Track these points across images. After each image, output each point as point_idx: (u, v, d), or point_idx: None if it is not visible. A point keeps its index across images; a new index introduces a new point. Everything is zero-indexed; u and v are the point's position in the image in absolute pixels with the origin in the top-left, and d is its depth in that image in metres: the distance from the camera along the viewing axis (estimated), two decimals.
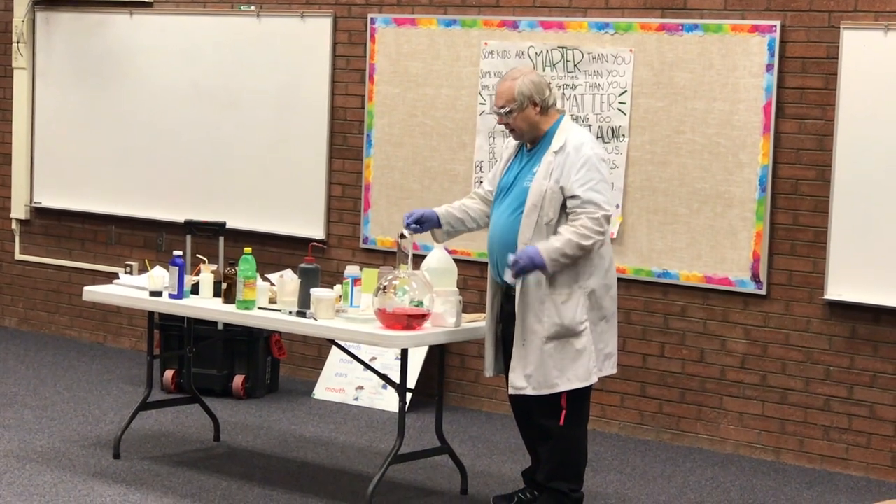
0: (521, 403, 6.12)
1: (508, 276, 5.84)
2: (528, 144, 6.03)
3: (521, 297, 5.90)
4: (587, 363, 5.88)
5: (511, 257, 5.77)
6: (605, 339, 5.98)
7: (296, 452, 7.25)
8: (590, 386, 6.02)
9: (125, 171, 9.65)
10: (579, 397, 5.97)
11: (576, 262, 5.80)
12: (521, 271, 5.78)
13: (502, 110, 5.96)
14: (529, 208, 5.84)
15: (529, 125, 5.96)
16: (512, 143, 6.15)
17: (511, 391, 5.98)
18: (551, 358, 5.87)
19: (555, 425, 5.96)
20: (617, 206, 7.77)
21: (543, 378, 5.88)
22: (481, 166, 8.20)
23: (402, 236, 6.19)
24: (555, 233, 5.80)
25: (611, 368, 6.04)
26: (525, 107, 5.93)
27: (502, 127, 7.78)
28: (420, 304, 5.94)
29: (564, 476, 6.04)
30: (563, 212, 5.82)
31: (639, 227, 7.77)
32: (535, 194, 5.84)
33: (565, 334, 5.86)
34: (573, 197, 5.77)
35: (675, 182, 7.65)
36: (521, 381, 5.92)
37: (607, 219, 5.80)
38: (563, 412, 5.93)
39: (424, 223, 6.26)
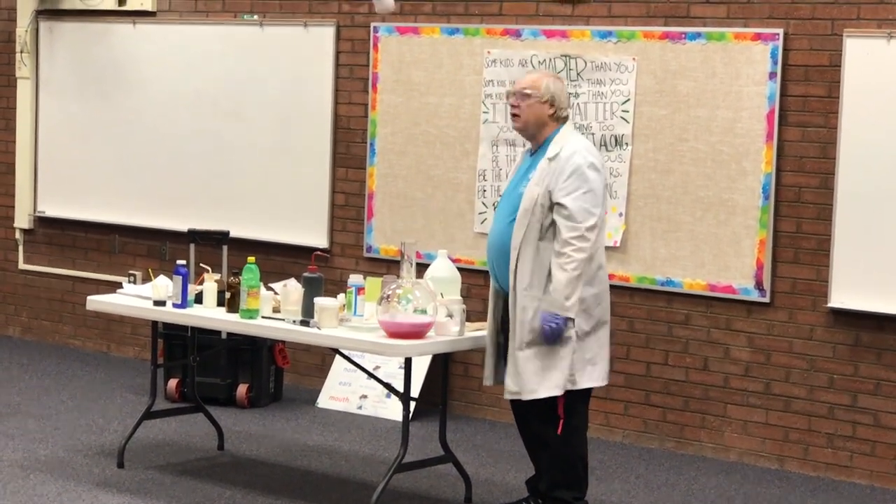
0: (522, 411, 6.12)
1: (546, 338, 5.87)
2: (532, 149, 6.05)
3: (510, 301, 5.94)
4: (566, 371, 5.86)
5: (533, 333, 5.85)
6: (594, 349, 5.94)
7: (300, 461, 7.24)
8: (587, 393, 6.01)
9: (128, 181, 9.66)
10: (576, 405, 5.96)
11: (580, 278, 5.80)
12: (552, 337, 5.82)
13: (522, 90, 5.97)
14: (521, 213, 5.87)
15: (536, 120, 5.97)
16: (520, 154, 6.17)
17: (506, 396, 6.00)
18: (531, 363, 5.87)
19: (552, 434, 5.95)
20: (620, 215, 7.78)
21: (525, 383, 5.89)
22: (484, 174, 8.20)
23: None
24: (541, 237, 5.83)
25: (597, 380, 5.98)
26: (544, 101, 5.94)
27: (506, 135, 7.79)
28: (424, 312, 5.94)
29: (567, 484, 6.04)
30: (553, 219, 5.83)
31: (642, 236, 7.77)
32: (527, 200, 5.87)
33: (545, 341, 5.86)
34: (558, 205, 5.79)
35: (679, 190, 7.65)
36: (513, 385, 5.95)
37: (591, 229, 5.77)
38: (561, 421, 5.93)
39: None
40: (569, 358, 5.84)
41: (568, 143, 5.90)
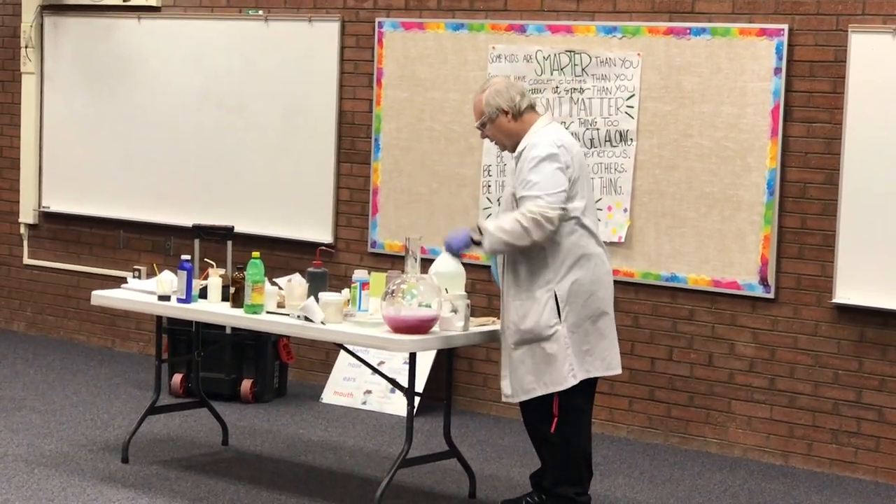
0: (527, 407, 6.12)
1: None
2: (512, 152, 6.02)
3: (503, 304, 5.93)
4: (562, 367, 5.83)
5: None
6: (591, 341, 5.90)
7: (304, 456, 7.25)
8: (586, 390, 5.98)
9: (133, 176, 9.66)
10: (571, 402, 5.94)
11: (516, 248, 5.79)
12: (451, 251, 5.94)
13: (476, 124, 5.99)
14: (502, 214, 5.93)
15: (506, 134, 5.95)
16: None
17: (503, 398, 5.99)
18: (523, 364, 5.86)
19: (548, 431, 5.94)
20: (625, 210, 7.78)
21: (519, 384, 5.88)
22: (489, 170, 8.20)
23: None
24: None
25: (602, 369, 5.95)
26: (496, 117, 5.92)
27: None
28: (428, 307, 5.94)
29: (569, 480, 6.03)
30: None
31: (647, 231, 7.77)
32: (505, 199, 5.97)
33: (533, 339, 5.83)
34: (520, 199, 5.78)
35: (683, 186, 7.65)
36: (507, 388, 5.95)
37: (547, 219, 5.68)
38: (555, 420, 5.91)
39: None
40: (562, 353, 5.82)
41: (532, 137, 5.86)
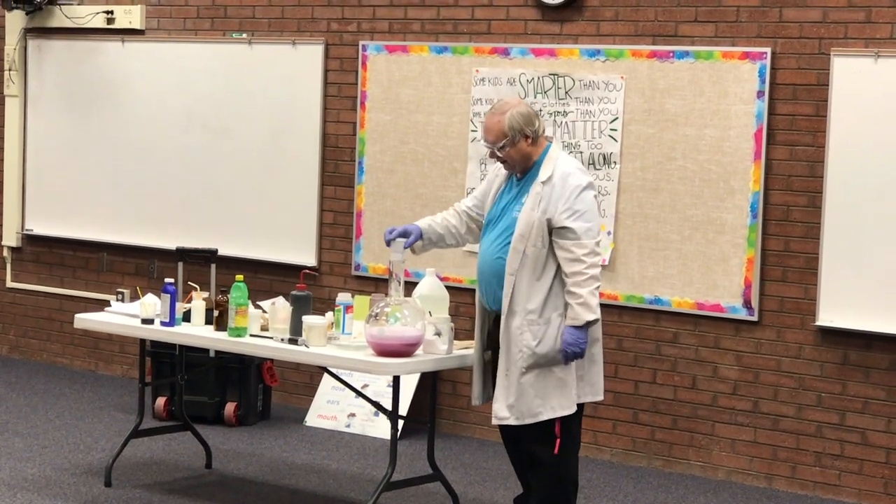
0: (510, 431, 6.09)
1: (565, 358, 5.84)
2: (518, 174, 6.01)
3: (504, 326, 5.89)
4: (570, 392, 5.83)
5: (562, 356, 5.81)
6: (585, 366, 5.89)
7: (288, 480, 7.23)
8: (579, 413, 6.00)
9: (117, 199, 9.65)
10: (569, 426, 5.94)
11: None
12: (574, 356, 5.79)
13: (494, 146, 5.94)
14: (517, 238, 5.82)
15: (522, 156, 5.94)
16: (502, 170, 6.12)
17: (494, 421, 5.95)
18: (532, 387, 5.82)
19: (547, 454, 5.92)
20: (609, 233, 7.79)
21: (526, 408, 5.84)
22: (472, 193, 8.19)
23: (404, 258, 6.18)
24: (544, 265, 5.80)
25: (591, 395, 5.95)
26: (517, 140, 5.90)
27: None
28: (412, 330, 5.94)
29: (557, 503, 6.02)
30: (551, 242, 5.80)
31: (630, 254, 7.78)
32: (523, 225, 5.82)
33: (545, 363, 5.81)
34: (563, 228, 5.76)
35: (667, 209, 7.66)
36: (503, 411, 5.88)
37: (598, 244, 5.78)
38: (557, 441, 5.90)
39: (407, 237, 6.25)
40: (571, 378, 5.82)
41: (559, 165, 5.87)
